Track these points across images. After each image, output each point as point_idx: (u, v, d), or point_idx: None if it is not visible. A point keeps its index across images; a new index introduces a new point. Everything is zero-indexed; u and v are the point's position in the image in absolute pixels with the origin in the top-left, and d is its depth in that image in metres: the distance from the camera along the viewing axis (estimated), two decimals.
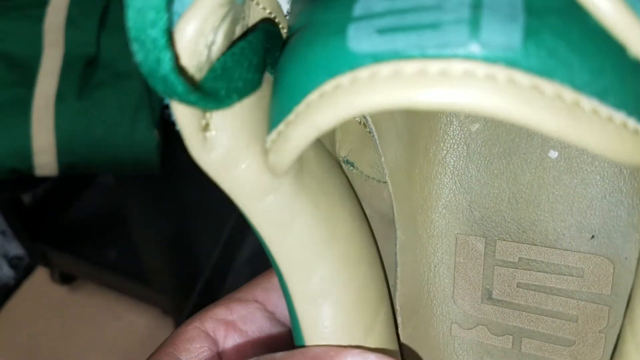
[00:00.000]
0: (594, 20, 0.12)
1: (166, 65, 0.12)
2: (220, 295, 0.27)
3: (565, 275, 0.19)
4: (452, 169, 0.20)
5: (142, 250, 0.78)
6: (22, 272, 0.90)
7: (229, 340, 0.23)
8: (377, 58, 0.12)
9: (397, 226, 0.20)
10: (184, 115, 0.14)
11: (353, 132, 0.20)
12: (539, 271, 0.19)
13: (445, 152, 0.20)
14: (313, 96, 0.13)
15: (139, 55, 0.12)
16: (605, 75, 0.11)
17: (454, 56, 0.11)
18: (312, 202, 0.17)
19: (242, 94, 0.15)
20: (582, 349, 0.19)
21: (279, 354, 0.17)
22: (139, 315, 0.85)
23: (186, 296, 0.72)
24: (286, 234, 0.16)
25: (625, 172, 0.18)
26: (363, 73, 0.12)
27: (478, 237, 0.20)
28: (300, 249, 0.16)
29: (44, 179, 0.63)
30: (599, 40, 0.11)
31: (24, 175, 0.57)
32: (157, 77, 0.12)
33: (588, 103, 0.11)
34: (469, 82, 0.11)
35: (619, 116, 0.11)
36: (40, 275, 0.90)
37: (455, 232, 0.20)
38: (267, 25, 0.15)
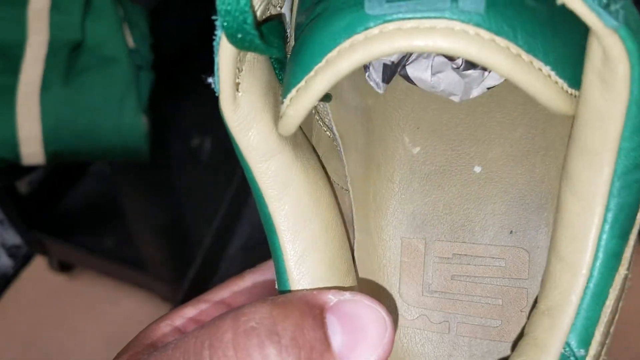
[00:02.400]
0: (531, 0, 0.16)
1: (250, 23, 0.17)
2: (213, 283, 0.28)
3: (490, 266, 0.23)
4: (398, 183, 0.24)
5: (139, 237, 0.77)
6: (21, 261, 0.90)
7: None
8: (386, 19, 0.16)
9: (355, 227, 0.24)
10: (228, 71, 0.18)
11: (324, 140, 0.23)
12: (469, 264, 0.23)
13: (393, 169, 0.24)
14: (332, 53, 0.16)
15: (227, 18, 0.16)
16: (537, 38, 0.16)
17: (440, 17, 0.15)
18: (304, 171, 0.20)
19: (280, 49, 0.19)
20: (507, 327, 0.22)
21: (269, 298, 0.19)
22: (138, 302, 0.85)
23: (184, 282, 0.72)
24: (284, 194, 0.20)
25: (534, 179, 0.23)
26: (374, 30, 0.16)
27: (419, 239, 0.24)
28: (294, 208, 0.20)
29: (34, 168, 0.62)
30: (534, 14, 0.16)
31: (12, 165, 0.56)
32: (243, 31, 0.17)
33: (526, 56, 0.16)
34: (449, 34, 0.15)
35: (546, 69, 0.16)
36: (39, 264, 0.90)
37: (401, 235, 0.24)
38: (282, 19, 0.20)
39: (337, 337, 0.18)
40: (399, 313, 0.24)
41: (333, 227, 0.21)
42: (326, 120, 0.23)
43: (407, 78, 0.21)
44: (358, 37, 0.16)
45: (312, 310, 0.18)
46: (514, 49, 0.16)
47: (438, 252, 0.24)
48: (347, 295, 0.19)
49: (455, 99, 0.21)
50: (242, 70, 0.19)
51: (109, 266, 0.81)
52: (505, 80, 0.21)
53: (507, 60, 0.15)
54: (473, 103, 0.23)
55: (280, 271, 0.20)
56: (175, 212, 0.78)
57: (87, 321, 0.85)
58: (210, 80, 0.19)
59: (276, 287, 0.21)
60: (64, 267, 0.88)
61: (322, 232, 0.21)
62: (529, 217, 0.23)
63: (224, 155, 0.73)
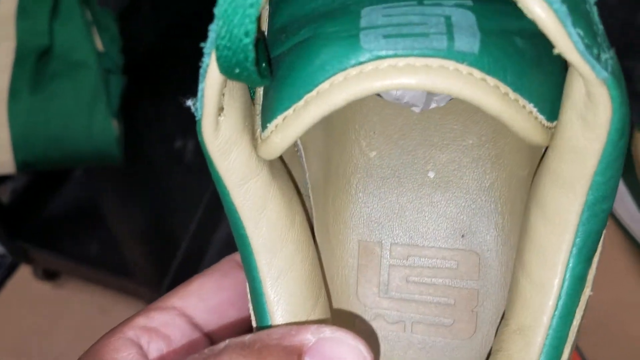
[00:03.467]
0: (520, 40, 0.17)
1: (251, 60, 0.16)
2: None
3: (442, 267, 0.24)
4: (355, 186, 0.25)
5: (122, 242, 0.77)
6: (5, 271, 0.89)
7: (153, 345, 0.24)
8: (380, 55, 0.16)
9: (315, 231, 0.24)
10: (214, 98, 0.18)
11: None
12: (423, 267, 0.24)
13: (350, 173, 0.25)
14: (324, 85, 0.17)
15: (225, 52, 0.16)
16: (523, 78, 0.17)
17: (435, 55, 0.16)
18: (281, 191, 0.21)
19: (269, 78, 0.19)
20: (459, 326, 0.23)
21: (248, 336, 0.18)
22: (125, 308, 0.85)
23: (168, 287, 0.71)
24: (261, 216, 0.20)
25: (485, 185, 0.24)
26: (368, 66, 0.16)
27: (376, 243, 0.24)
28: (270, 229, 0.20)
29: (7, 177, 0.62)
30: (522, 55, 0.17)
31: None
32: (242, 67, 0.16)
33: (513, 95, 0.17)
34: (443, 73, 0.16)
35: (529, 106, 0.17)
36: (24, 273, 0.89)
37: (358, 238, 0.24)
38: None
39: None
40: (356, 314, 0.24)
41: (306, 243, 0.22)
42: None
43: None
44: (351, 72, 0.16)
45: (290, 356, 0.18)
46: (503, 88, 0.16)
47: (394, 255, 0.24)
48: (327, 332, 0.18)
49: (416, 109, 0.22)
50: (224, 94, 0.18)
51: (95, 273, 0.81)
52: None
53: (497, 100, 0.16)
54: (427, 110, 0.24)
55: (256, 292, 0.21)
56: (158, 215, 0.78)
57: (75, 328, 0.84)
58: (189, 103, 0.19)
59: (249, 307, 0.22)
60: (49, 275, 0.88)
61: (297, 250, 0.21)
62: (480, 221, 0.24)
63: None
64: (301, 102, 0.17)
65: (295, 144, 0.23)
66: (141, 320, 0.25)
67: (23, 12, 0.56)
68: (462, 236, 0.24)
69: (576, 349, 0.46)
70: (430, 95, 0.22)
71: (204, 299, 0.26)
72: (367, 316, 0.24)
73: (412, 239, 0.24)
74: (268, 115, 0.18)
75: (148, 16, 0.70)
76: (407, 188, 0.24)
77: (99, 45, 0.57)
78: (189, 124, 0.70)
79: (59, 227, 0.84)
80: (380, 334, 0.24)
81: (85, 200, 0.87)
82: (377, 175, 0.25)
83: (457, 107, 0.23)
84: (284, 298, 0.20)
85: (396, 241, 0.24)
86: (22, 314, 0.87)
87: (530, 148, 0.22)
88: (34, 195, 0.85)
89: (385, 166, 0.24)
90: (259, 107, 0.20)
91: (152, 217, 0.78)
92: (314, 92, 0.17)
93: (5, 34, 0.55)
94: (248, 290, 0.21)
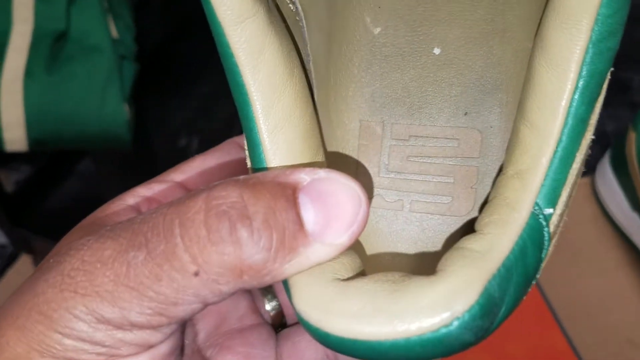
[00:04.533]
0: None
1: None
2: None
3: (444, 146, 0.24)
4: (358, 65, 0.24)
5: None
6: (6, 260, 0.90)
7: None
8: None
9: (317, 110, 0.23)
10: None
11: (287, 15, 0.23)
12: (424, 145, 0.24)
13: (353, 51, 0.24)
14: None
15: None
16: None
17: None
18: (278, 40, 0.20)
19: None
20: (457, 203, 0.23)
21: (241, 179, 0.18)
22: None
23: None
24: (258, 61, 0.19)
25: (492, 61, 0.23)
26: None
27: (377, 122, 0.24)
28: (268, 77, 0.20)
29: (16, 158, 0.63)
30: None
31: None
32: None
33: None
34: None
35: None
36: (24, 263, 0.90)
37: (359, 118, 0.24)
38: None
39: (310, 216, 0.18)
40: None
41: (305, 99, 0.21)
42: None
43: None
44: None
45: (285, 191, 0.18)
46: None
47: (395, 135, 0.24)
48: (321, 173, 0.18)
49: None
50: None
51: None
52: None
53: None
54: None
55: (253, 143, 0.20)
56: None
57: None
58: None
59: (247, 162, 0.21)
60: None
61: (295, 103, 0.20)
62: (484, 99, 0.23)
63: None
64: None
65: (297, 12, 0.23)
66: (142, 190, 0.25)
67: None
68: (465, 114, 0.23)
69: (565, 336, 0.47)
70: None
71: (205, 175, 0.26)
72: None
73: (415, 118, 0.24)
74: None
75: (160, 9, 0.72)
76: (410, 66, 0.24)
77: (114, 31, 0.59)
78: (194, 122, 0.71)
79: (62, 218, 0.84)
80: (379, 212, 0.24)
81: (89, 193, 0.88)
82: (381, 53, 0.24)
83: None
84: (281, 149, 0.20)
85: (398, 121, 0.24)
86: None
87: (536, 19, 0.21)
88: (38, 187, 0.86)
89: (389, 44, 0.24)
90: None
91: None
92: None
93: (24, 17, 0.57)
94: (246, 144, 0.21)
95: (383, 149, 0.24)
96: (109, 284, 0.18)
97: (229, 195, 0.18)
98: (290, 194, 0.18)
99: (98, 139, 0.57)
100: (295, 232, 0.18)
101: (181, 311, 0.18)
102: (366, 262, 0.23)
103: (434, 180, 0.24)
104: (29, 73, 0.55)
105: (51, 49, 0.56)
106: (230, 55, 0.19)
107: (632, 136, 0.51)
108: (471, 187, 0.23)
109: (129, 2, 0.61)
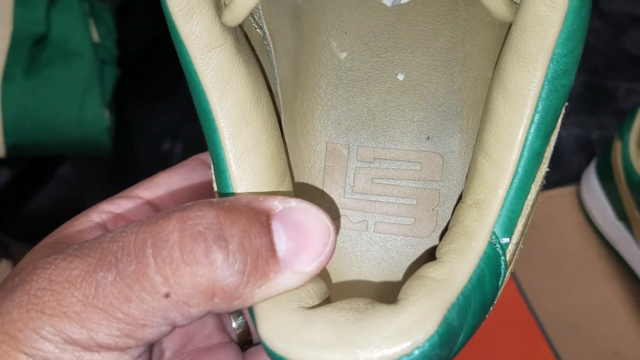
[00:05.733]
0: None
1: None
2: None
3: (407, 169, 0.24)
4: (324, 88, 0.24)
5: None
6: None
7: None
8: None
9: (284, 132, 0.24)
10: None
11: (255, 39, 0.23)
12: (388, 168, 0.24)
13: (320, 75, 0.24)
14: None
15: None
16: None
17: None
18: (246, 68, 0.20)
19: None
20: (419, 225, 0.24)
21: (215, 201, 0.18)
22: None
23: None
24: (226, 89, 0.20)
25: (452, 88, 0.24)
26: None
27: (343, 144, 0.25)
28: (236, 104, 0.20)
29: None
30: None
31: None
32: None
33: None
34: None
35: None
36: (3, 268, 0.88)
37: (326, 140, 0.25)
38: None
39: (282, 243, 0.18)
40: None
41: (272, 125, 0.21)
42: (256, 17, 0.23)
43: None
44: None
45: (259, 216, 0.18)
46: None
47: (360, 157, 0.25)
48: (293, 202, 0.19)
49: (387, 2, 0.22)
50: None
51: None
52: None
53: None
54: (398, 11, 0.24)
55: (220, 169, 0.21)
56: None
57: None
58: None
59: (214, 187, 0.21)
60: None
61: (262, 130, 0.21)
62: (445, 124, 0.24)
63: None
64: None
65: (264, 36, 0.23)
66: (107, 207, 0.25)
67: (21, 0, 0.56)
68: (428, 138, 0.24)
69: (551, 349, 0.46)
70: None
71: (171, 190, 0.26)
72: (332, 215, 0.24)
73: (379, 141, 0.25)
74: None
75: (143, 14, 0.71)
76: (375, 91, 0.24)
77: (95, 35, 0.58)
78: (177, 127, 0.70)
79: (42, 223, 0.83)
80: (344, 232, 0.25)
81: (69, 198, 0.87)
82: (347, 77, 0.24)
83: (429, 8, 0.23)
84: (248, 175, 0.20)
85: (363, 143, 0.25)
86: None
87: (496, 49, 0.23)
88: (18, 191, 0.85)
89: (355, 69, 0.24)
90: None
91: None
92: None
93: (3, 20, 0.56)
94: (213, 171, 0.21)
95: (349, 171, 0.25)
96: (77, 304, 0.18)
97: (205, 216, 0.18)
98: (264, 220, 0.18)
99: (77, 145, 0.56)
100: (268, 257, 0.18)
101: (149, 333, 0.18)
102: (331, 283, 0.24)
103: (398, 202, 0.24)
104: (7, 77, 0.54)
105: (30, 52, 0.55)
106: (197, 83, 0.20)
107: (617, 145, 0.50)
108: (433, 209, 0.24)
109: (111, 6, 0.60)
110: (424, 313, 0.17)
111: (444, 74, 0.24)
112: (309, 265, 0.18)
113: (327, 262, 0.19)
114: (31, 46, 0.55)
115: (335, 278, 0.24)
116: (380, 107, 0.25)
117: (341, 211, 0.25)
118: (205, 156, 0.27)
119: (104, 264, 0.18)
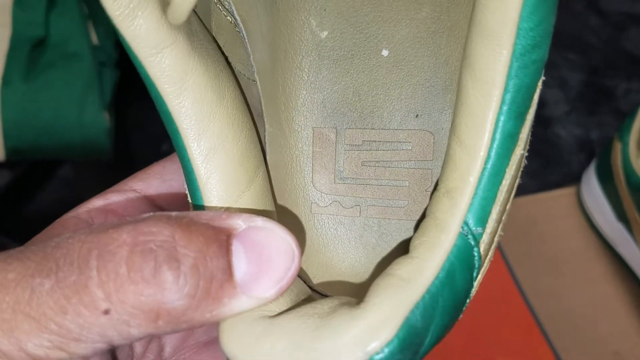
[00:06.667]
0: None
1: None
2: None
3: (397, 150, 0.23)
4: (307, 71, 0.23)
5: None
6: None
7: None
8: None
9: (265, 120, 0.23)
10: None
11: (225, 27, 0.22)
12: (378, 150, 0.23)
13: (301, 57, 0.23)
14: None
15: None
16: None
17: None
18: (203, 64, 0.19)
19: None
20: (413, 207, 0.23)
21: (174, 213, 0.18)
22: None
23: None
24: (182, 89, 0.19)
25: (440, 61, 0.22)
26: None
27: (330, 128, 0.24)
28: (195, 104, 0.19)
29: None
30: None
31: None
32: None
33: None
34: None
35: None
36: None
37: (312, 125, 0.24)
38: None
39: (241, 266, 0.17)
40: (313, 201, 0.24)
41: (240, 122, 0.21)
42: (225, 3, 0.22)
43: None
44: None
45: (218, 236, 0.17)
46: None
47: (348, 140, 0.24)
48: (258, 221, 0.18)
49: None
50: None
51: None
52: None
53: None
54: None
55: (187, 170, 0.20)
56: None
57: None
58: None
59: (185, 187, 0.21)
60: None
61: (228, 128, 0.20)
62: (434, 100, 0.23)
63: None
64: None
65: (235, 23, 0.22)
66: (97, 202, 0.24)
67: (20, 2, 0.56)
68: (417, 116, 0.23)
69: (551, 349, 0.47)
70: None
71: (166, 181, 0.25)
72: (323, 202, 0.24)
73: (367, 123, 0.24)
74: None
75: None
76: (360, 70, 0.23)
77: (94, 38, 0.57)
78: None
79: (41, 225, 0.83)
80: (337, 219, 0.24)
81: (69, 199, 0.87)
82: (329, 57, 0.23)
83: None
84: (215, 176, 0.20)
85: (351, 126, 0.24)
86: None
87: None
88: (17, 193, 0.85)
89: (337, 47, 0.23)
90: None
91: None
92: None
93: (1, 22, 0.56)
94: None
95: (338, 155, 0.24)
96: (7, 310, 0.17)
97: (160, 233, 0.17)
98: (224, 240, 0.17)
99: (77, 148, 0.56)
100: (224, 282, 0.17)
101: (82, 349, 0.17)
102: (325, 272, 0.24)
103: (390, 184, 0.24)
104: (7, 81, 0.54)
105: (29, 55, 0.55)
106: (152, 85, 0.19)
107: (617, 146, 0.50)
108: (426, 190, 0.23)
109: None
110: (383, 317, 0.17)
111: (430, 46, 0.23)
112: (268, 291, 0.18)
113: (288, 288, 0.18)
114: (30, 49, 0.55)
115: (329, 267, 0.24)
116: (366, 87, 0.23)
117: (332, 197, 0.24)
118: None
119: (43, 270, 0.17)
